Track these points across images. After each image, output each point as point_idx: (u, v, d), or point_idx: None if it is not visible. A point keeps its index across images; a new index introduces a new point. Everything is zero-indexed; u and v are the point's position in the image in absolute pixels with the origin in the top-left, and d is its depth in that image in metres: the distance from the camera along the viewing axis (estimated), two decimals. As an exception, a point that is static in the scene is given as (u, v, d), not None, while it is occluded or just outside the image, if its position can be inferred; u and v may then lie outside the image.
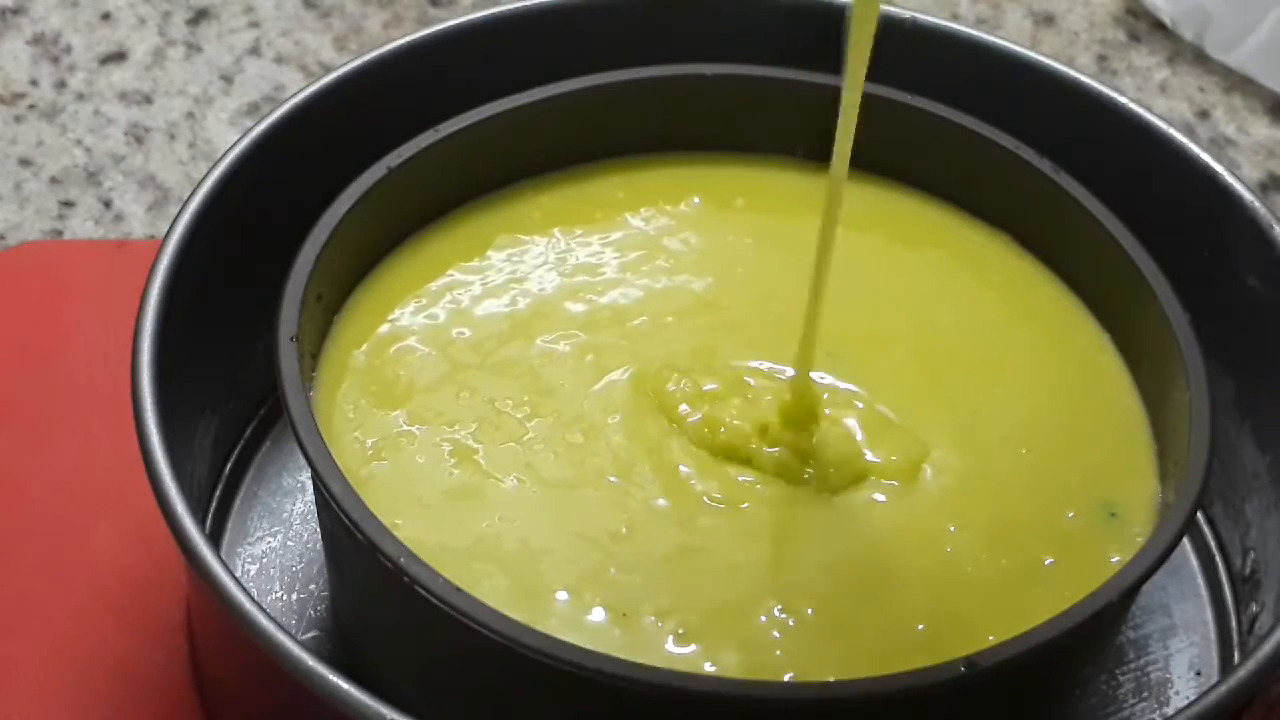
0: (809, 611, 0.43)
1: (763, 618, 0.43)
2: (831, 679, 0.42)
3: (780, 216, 0.53)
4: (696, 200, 0.53)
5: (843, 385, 0.48)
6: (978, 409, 0.48)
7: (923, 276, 0.51)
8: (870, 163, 0.53)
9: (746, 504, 0.45)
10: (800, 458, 0.46)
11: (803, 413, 0.46)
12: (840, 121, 0.43)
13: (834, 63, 0.53)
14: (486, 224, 0.52)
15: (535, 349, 0.48)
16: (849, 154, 0.44)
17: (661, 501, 0.45)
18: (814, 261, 0.45)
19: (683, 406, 0.47)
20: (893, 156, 0.53)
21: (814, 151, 0.53)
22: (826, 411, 0.47)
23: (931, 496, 0.46)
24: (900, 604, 0.44)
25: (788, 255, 0.52)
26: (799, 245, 0.52)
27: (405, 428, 0.46)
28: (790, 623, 0.43)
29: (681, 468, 0.46)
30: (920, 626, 0.43)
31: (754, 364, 0.48)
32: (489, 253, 0.51)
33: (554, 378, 0.48)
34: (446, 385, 0.47)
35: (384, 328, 0.49)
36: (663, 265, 0.51)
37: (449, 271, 0.50)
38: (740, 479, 0.46)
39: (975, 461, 0.47)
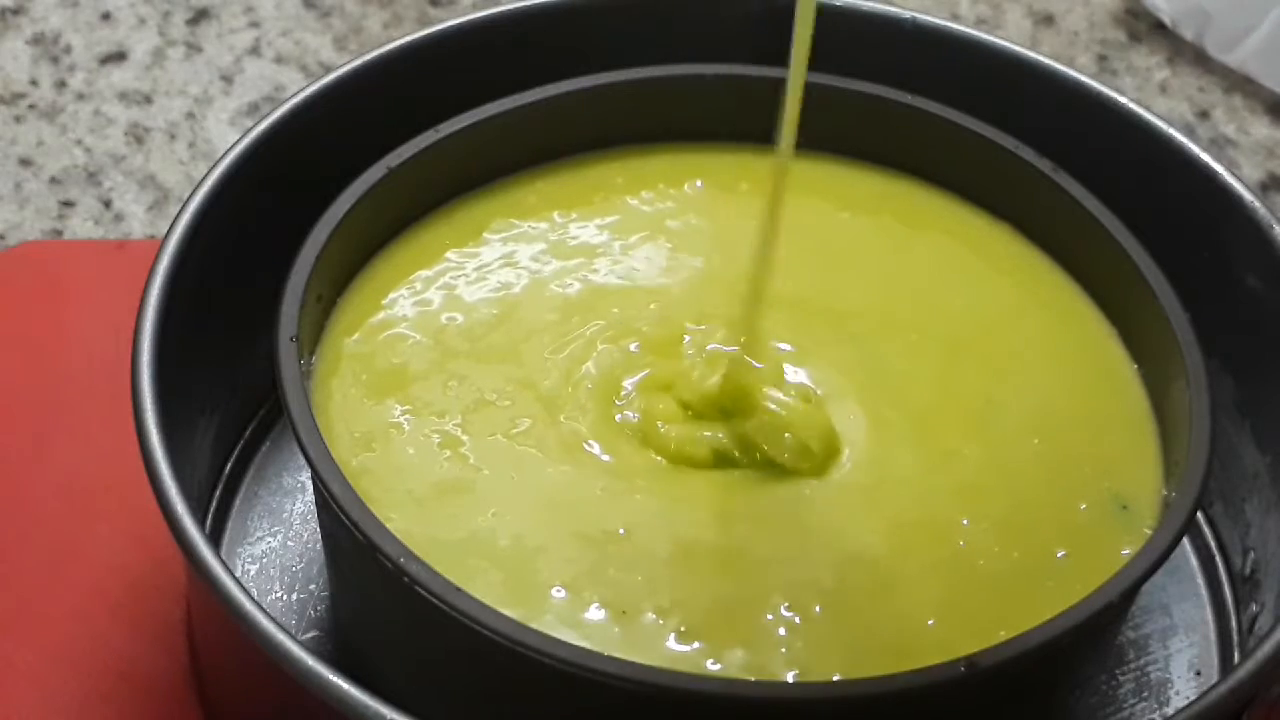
0: (816, 609, 0.43)
1: (769, 615, 0.43)
2: (837, 677, 0.42)
3: (787, 199, 0.53)
4: (699, 183, 0.52)
5: (855, 372, 0.48)
6: (992, 397, 0.48)
7: (932, 262, 0.51)
8: (873, 156, 0.53)
9: (746, 501, 0.45)
10: (739, 445, 0.46)
11: (734, 397, 0.46)
12: (787, 104, 0.44)
13: (831, 61, 0.53)
14: (482, 209, 0.51)
15: (527, 334, 0.48)
16: (794, 135, 0.45)
17: (655, 498, 0.45)
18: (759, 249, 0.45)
19: (659, 397, 0.47)
20: (895, 153, 0.53)
21: (814, 141, 0.53)
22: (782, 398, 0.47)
23: (946, 488, 0.46)
24: (910, 599, 0.44)
25: (796, 238, 0.52)
26: (806, 229, 0.52)
27: (396, 418, 0.46)
28: (797, 620, 0.43)
29: (666, 456, 0.46)
30: (930, 622, 0.43)
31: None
32: (484, 236, 0.51)
33: (546, 365, 0.47)
34: (436, 374, 0.47)
35: (377, 315, 0.49)
36: (665, 245, 0.51)
37: (444, 257, 0.50)
38: (735, 468, 0.46)
39: (990, 452, 0.47)
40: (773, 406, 0.46)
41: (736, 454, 0.46)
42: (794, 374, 0.48)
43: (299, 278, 0.46)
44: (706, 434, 0.46)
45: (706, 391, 0.46)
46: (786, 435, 0.46)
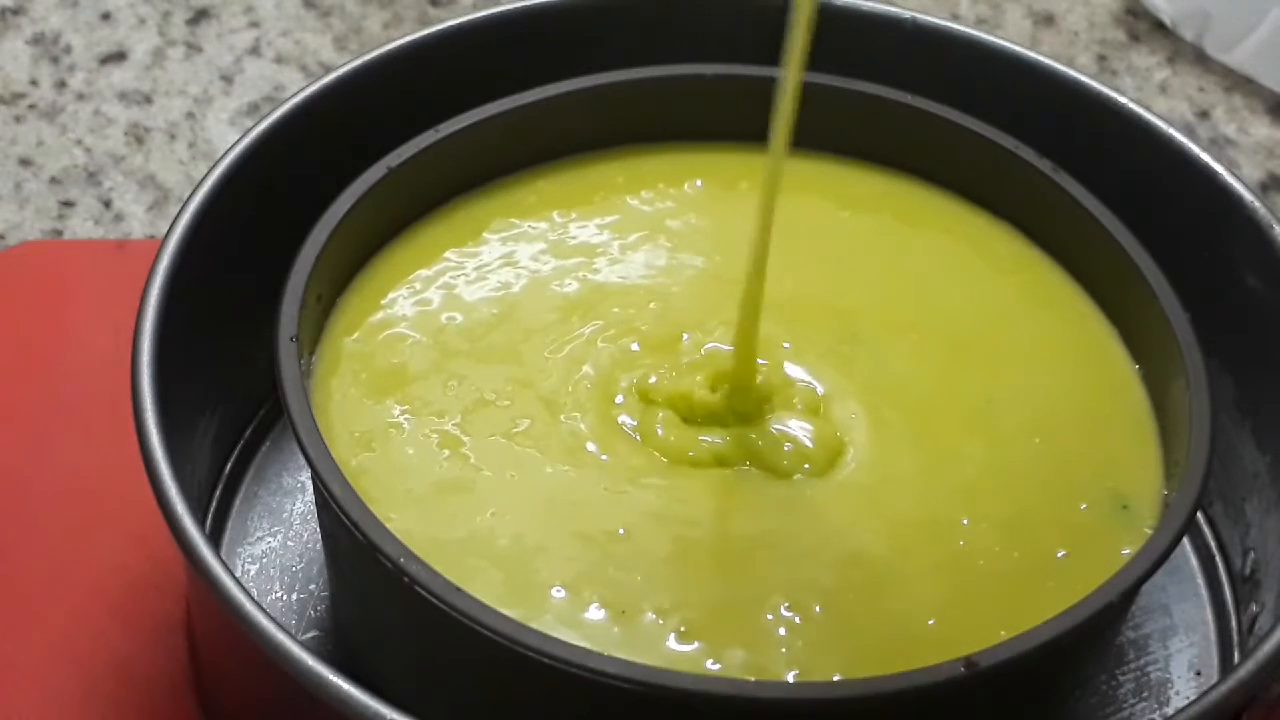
0: (816, 609, 0.43)
1: (769, 615, 0.43)
2: (837, 677, 0.42)
3: (786, 198, 0.53)
4: (699, 183, 0.52)
5: (856, 371, 0.48)
6: (993, 396, 0.48)
7: (932, 260, 0.51)
8: (873, 156, 0.53)
9: (746, 500, 0.45)
10: (739, 450, 0.46)
11: (743, 396, 0.46)
12: (779, 103, 0.44)
13: (831, 61, 0.53)
14: (482, 209, 0.51)
15: (527, 334, 0.48)
16: (789, 135, 0.44)
17: (655, 498, 0.45)
18: (752, 250, 0.45)
19: (659, 396, 0.47)
20: (895, 152, 0.53)
21: (814, 141, 0.53)
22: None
23: (946, 488, 0.46)
24: (911, 599, 0.44)
25: (797, 237, 0.52)
26: (807, 228, 0.52)
27: (395, 418, 0.46)
28: (797, 620, 0.43)
29: (665, 456, 0.46)
30: (931, 621, 0.43)
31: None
32: (484, 235, 0.51)
33: (545, 365, 0.47)
34: (436, 374, 0.47)
35: (376, 315, 0.49)
36: (665, 245, 0.51)
37: (443, 256, 0.50)
38: (735, 467, 0.46)
39: (991, 451, 0.47)
40: (781, 428, 0.46)
41: (736, 458, 0.46)
42: (793, 371, 0.48)
43: (299, 278, 0.46)
44: (706, 439, 0.46)
45: (709, 404, 0.46)
46: (787, 446, 0.46)
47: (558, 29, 0.55)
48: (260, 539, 0.52)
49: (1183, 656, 0.51)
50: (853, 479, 0.46)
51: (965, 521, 0.45)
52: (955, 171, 0.53)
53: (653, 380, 0.47)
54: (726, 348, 0.48)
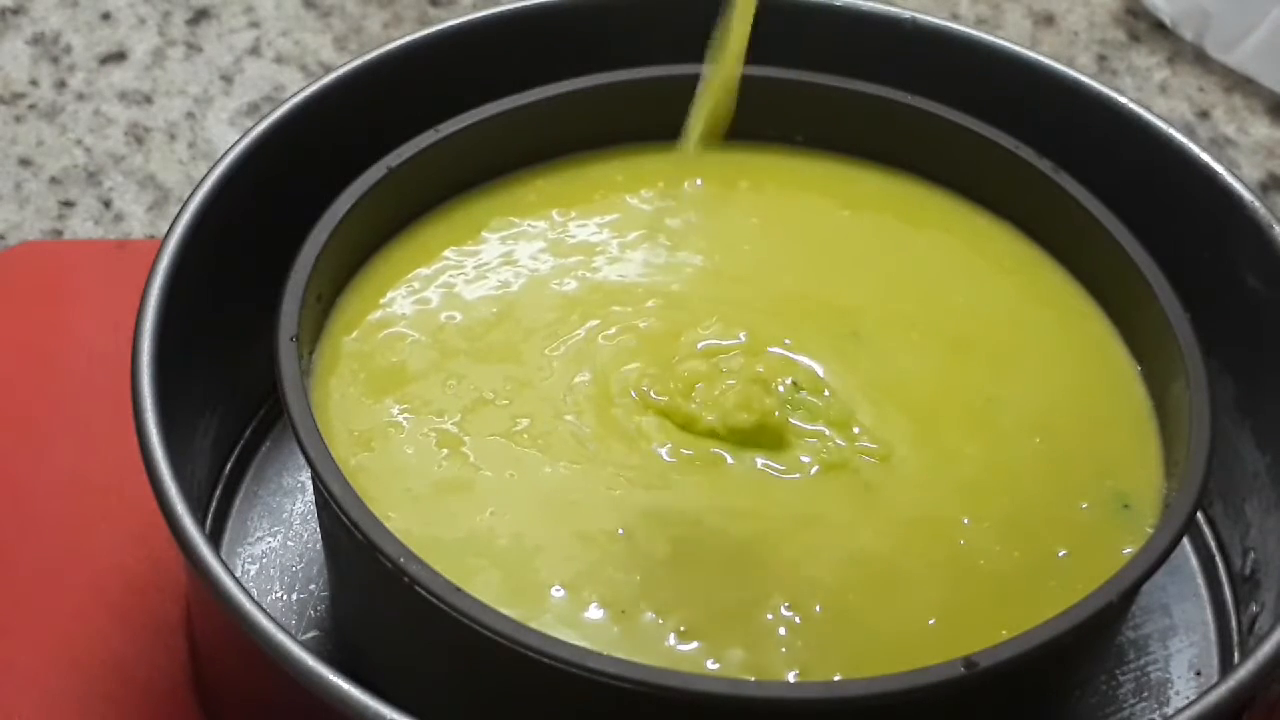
0: (816, 608, 0.43)
1: (769, 615, 0.43)
2: (837, 677, 0.42)
3: (786, 197, 0.53)
4: (699, 182, 0.52)
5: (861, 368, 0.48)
6: (993, 395, 0.48)
7: (934, 260, 0.51)
8: (873, 156, 0.53)
9: (746, 500, 0.45)
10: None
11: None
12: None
13: (831, 61, 0.53)
14: (481, 208, 0.51)
15: (526, 333, 0.48)
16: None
17: (655, 497, 0.45)
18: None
19: (658, 395, 0.47)
20: (895, 152, 0.53)
21: (814, 139, 0.53)
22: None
23: (947, 487, 0.46)
24: (911, 598, 0.44)
25: (797, 235, 0.52)
26: (808, 227, 0.52)
27: (394, 417, 0.46)
28: (797, 620, 0.43)
29: (665, 455, 0.46)
30: (931, 621, 0.43)
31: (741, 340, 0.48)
32: (483, 234, 0.51)
33: (545, 363, 0.48)
34: (435, 373, 0.47)
35: (375, 314, 0.49)
36: (664, 243, 0.51)
37: (443, 255, 0.50)
38: (735, 467, 0.46)
39: (991, 450, 0.47)
40: (806, 458, 0.46)
41: (735, 457, 0.46)
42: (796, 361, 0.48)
43: (299, 278, 0.46)
44: (713, 450, 0.46)
45: (737, 425, 0.46)
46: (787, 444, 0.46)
47: (558, 29, 0.55)
48: (260, 539, 0.52)
49: (1183, 656, 0.51)
50: (853, 478, 0.46)
51: (966, 521, 0.45)
52: (955, 171, 0.53)
53: (651, 392, 0.47)
54: (726, 342, 0.48)
